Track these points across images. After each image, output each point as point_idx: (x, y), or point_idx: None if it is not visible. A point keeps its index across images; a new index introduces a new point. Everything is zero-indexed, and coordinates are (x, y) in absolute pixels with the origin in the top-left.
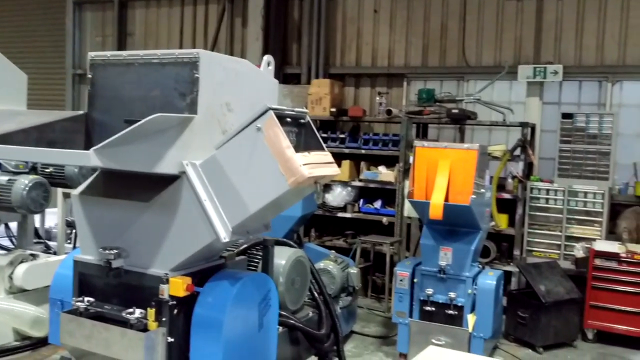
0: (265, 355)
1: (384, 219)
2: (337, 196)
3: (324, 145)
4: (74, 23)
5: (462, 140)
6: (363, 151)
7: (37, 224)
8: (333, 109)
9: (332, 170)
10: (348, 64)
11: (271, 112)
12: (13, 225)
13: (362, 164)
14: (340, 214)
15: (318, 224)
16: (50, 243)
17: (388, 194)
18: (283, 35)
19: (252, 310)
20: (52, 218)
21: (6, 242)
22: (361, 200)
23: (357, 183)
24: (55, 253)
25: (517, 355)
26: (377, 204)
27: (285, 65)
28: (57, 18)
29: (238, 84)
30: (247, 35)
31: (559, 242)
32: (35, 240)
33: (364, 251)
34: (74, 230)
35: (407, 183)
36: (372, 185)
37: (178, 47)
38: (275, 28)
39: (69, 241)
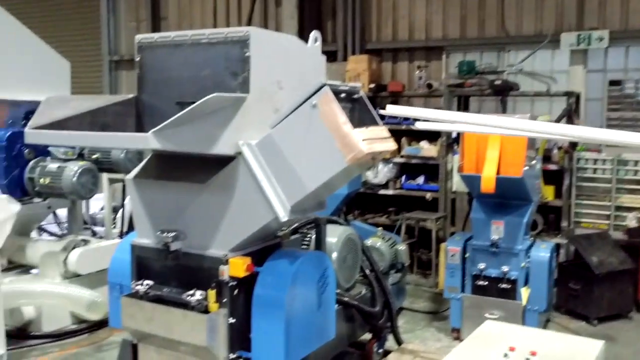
0: (325, 333)
1: (428, 195)
2: (378, 173)
3: (379, 120)
4: (107, 9)
5: (504, 112)
6: (403, 127)
7: (82, 210)
8: (372, 85)
9: (389, 145)
10: (385, 39)
11: (327, 87)
12: (60, 212)
13: (403, 140)
14: (382, 191)
15: (360, 201)
16: (96, 228)
17: (431, 170)
18: (317, 12)
19: (311, 289)
20: (96, 204)
21: (54, 229)
22: (403, 177)
23: (398, 159)
24: (102, 238)
25: (570, 328)
26: (420, 180)
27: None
28: (91, 5)
29: (287, 61)
30: (282, 13)
31: (608, 213)
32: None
33: (408, 227)
34: (118, 215)
35: (450, 157)
36: (414, 161)
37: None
38: (310, 5)
39: (113, 226)
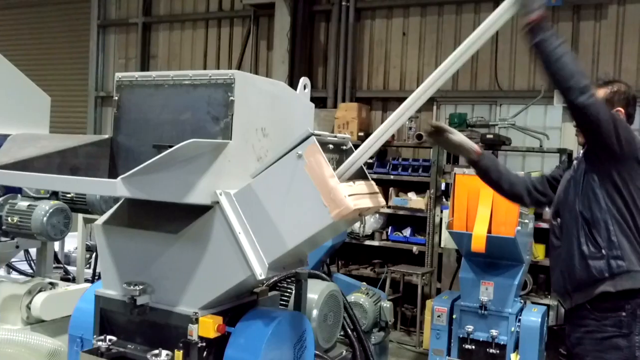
0: None
1: (414, 248)
2: (364, 223)
3: (367, 174)
4: (97, 45)
5: None
6: (392, 177)
7: (57, 248)
8: (361, 133)
9: (378, 201)
10: (375, 88)
11: (314, 138)
12: (32, 250)
13: (391, 190)
14: (367, 242)
15: (344, 252)
16: (69, 268)
17: (418, 222)
18: (309, 58)
19: (287, 353)
20: (72, 242)
21: (25, 267)
22: (390, 228)
23: (385, 210)
24: (74, 279)
25: None
26: (407, 232)
27: (311, 88)
28: (81, 40)
29: (273, 107)
30: (273, 57)
31: None
32: (54, 265)
33: (392, 281)
34: (93, 255)
35: (438, 210)
36: (401, 213)
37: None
38: (301, 51)
39: (87, 266)
